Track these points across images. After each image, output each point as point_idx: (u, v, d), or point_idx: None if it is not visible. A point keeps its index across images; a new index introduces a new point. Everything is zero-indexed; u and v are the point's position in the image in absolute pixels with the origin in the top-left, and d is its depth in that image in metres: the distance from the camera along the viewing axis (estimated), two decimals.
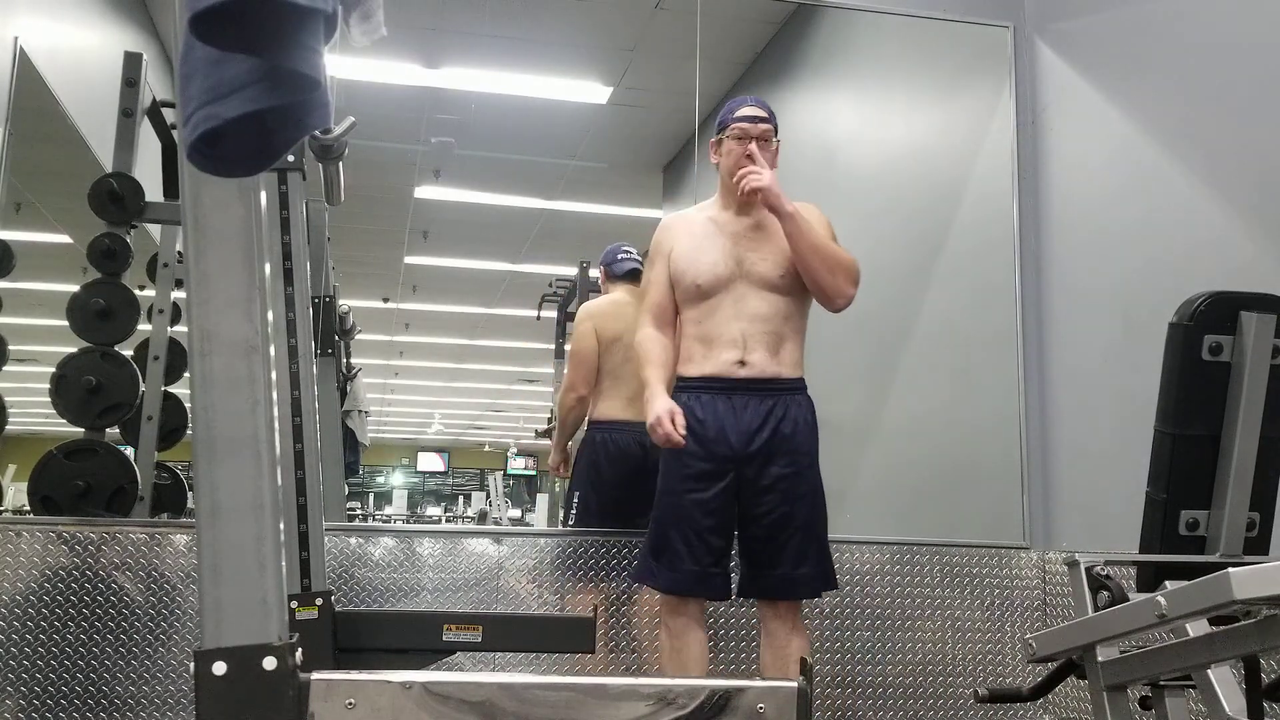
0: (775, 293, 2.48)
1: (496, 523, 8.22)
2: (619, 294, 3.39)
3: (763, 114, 2.57)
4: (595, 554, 3.10)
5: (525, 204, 5.90)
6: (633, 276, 3.36)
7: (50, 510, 2.94)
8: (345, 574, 2.97)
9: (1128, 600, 1.62)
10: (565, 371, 3.42)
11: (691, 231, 2.58)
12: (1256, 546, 1.80)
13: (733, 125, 2.55)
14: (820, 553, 2.45)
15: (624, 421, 3.20)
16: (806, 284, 2.49)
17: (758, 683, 0.97)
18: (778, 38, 4.34)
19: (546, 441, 3.67)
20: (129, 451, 3.25)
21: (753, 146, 2.50)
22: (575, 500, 3.28)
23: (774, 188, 2.45)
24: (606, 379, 3.28)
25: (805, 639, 2.49)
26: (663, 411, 2.37)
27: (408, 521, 10.13)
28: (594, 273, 3.59)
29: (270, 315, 0.93)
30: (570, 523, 3.27)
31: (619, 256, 3.44)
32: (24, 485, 3.08)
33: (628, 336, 3.21)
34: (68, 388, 3.05)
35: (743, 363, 2.45)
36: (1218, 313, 1.79)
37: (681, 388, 2.52)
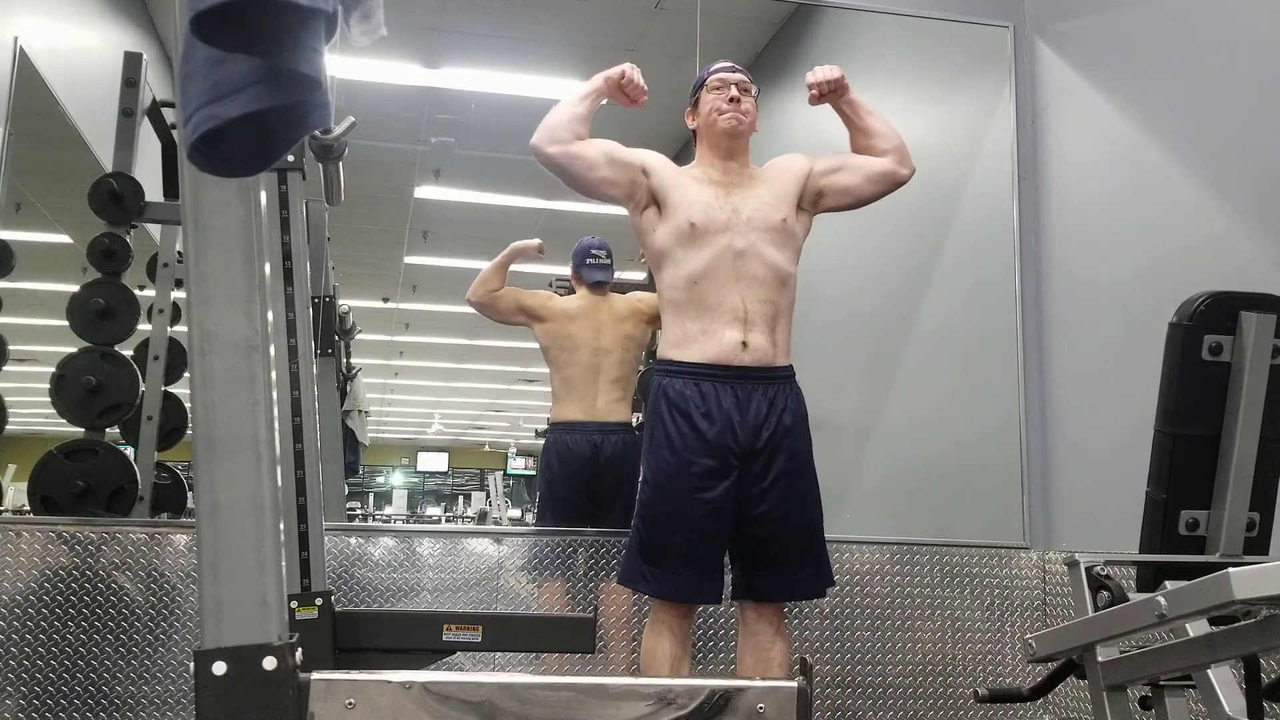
0: (776, 245, 2.36)
1: (496, 523, 8.21)
2: (581, 299, 3.46)
3: (739, 68, 2.54)
4: (600, 553, 3.10)
5: (525, 204, 5.90)
6: (598, 286, 3.45)
7: (50, 510, 2.94)
8: (345, 574, 2.97)
9: (1128, 600, 1.62)
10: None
11: (679, 171, 2.48)
12: (1256, 546, 1.80)
13: (710, 78, 2.52)
14: (821, 551, 2.38)
15: (576, 422, 3.32)
16: (875, 152, 2.54)
17: (758, 683, 0.97)
18: (778, 38, 4.34)
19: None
20: (129, 451, 3.25)
21: (734, 90, 2.47)
22: (537, 499, 3.47)
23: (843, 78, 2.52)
24: (558, 381, 3.38)
25: (788, 643, 2.39)
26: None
27: (408, 521, 10.12)
28: (564, 270, 3.68)
29: (270, 315, 0.93)
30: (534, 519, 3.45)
31: (587, 261, 3.48)
32: (24, 485, 3.08)
33: (581, 339, 3.34)
34: (68, 388, 3.05)
35: (745, 344, 2.30)
36: (1218, 313, 1.78)
37: (676, 373, 2.34)
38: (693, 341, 2.34)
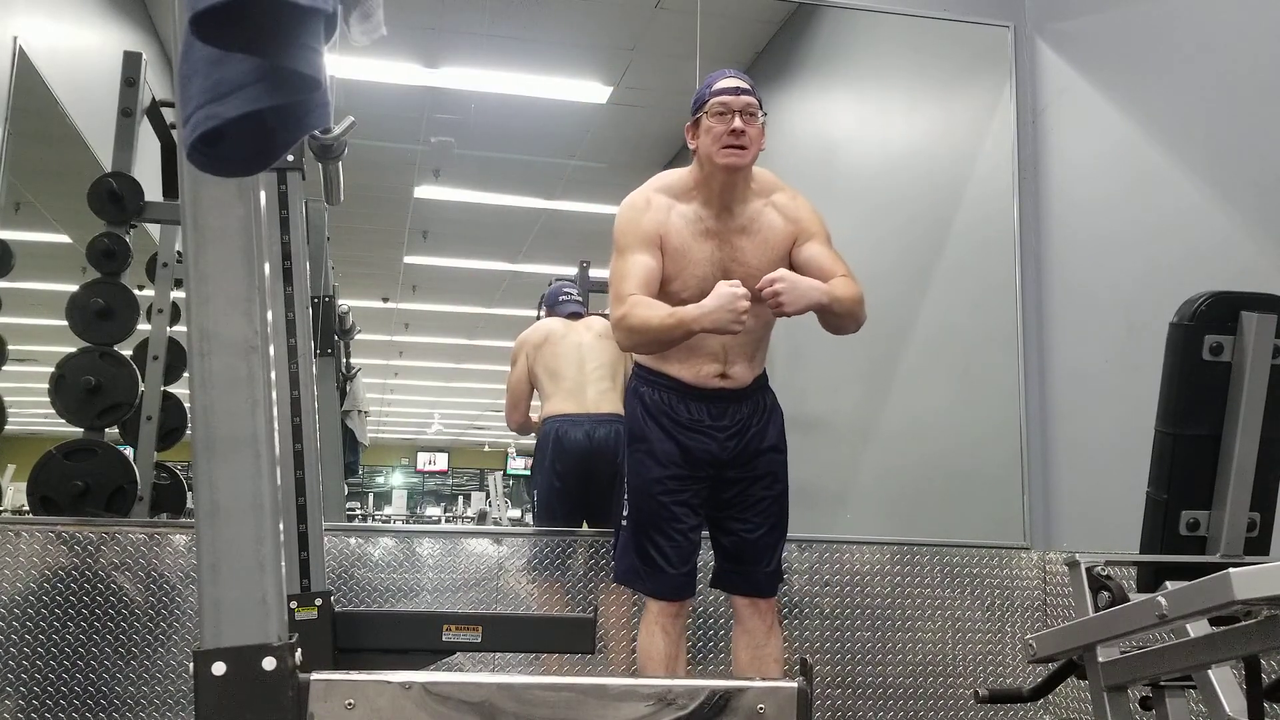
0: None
1: (496, 523, 8.22)
2: (553, 319, 3.61)
3: (744, 85, 2.31)
4: (600, 553, 3.10)
5: (525, 204, 5.91)
6: (574, 317, 3.59)
7: (50, 510, 2.94)
8: (345, 574, 2.97)
9: (1128, 600, 1.62)
10: None
11: (680, 228, 2.33)
12: (1257, 546, 1.80)
13: (712, 100, 2.28)
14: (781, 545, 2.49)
15: (569, 415, 3.38)
16: (824, 327, 2.34)
17: (758, 683, 0.97)
18: (778, 38, 4.34)
19: None
20: (129, 451, 3.25)
21: (738, 121, 2.25)
22: (535, 495, 3.51)
23: (800, 302, 2.18)
24: (544, 378, 3.46)
25: (780, 639, 2.46)
26: (721, 295, 2.12)
27: (407, 521, 10.13)
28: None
29: (270, 315, 0.93)
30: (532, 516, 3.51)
31: (560, 299, 3.66)
32: (24, 485, 3.08)
33: (554, 336, 3.48)
34: (67, 388, 3.05)
35: (724, 375, 2.36)
36: (1218, 313, 1.78)
37: (658, 384, 2.39)
38: (671, 362, 2.38)
